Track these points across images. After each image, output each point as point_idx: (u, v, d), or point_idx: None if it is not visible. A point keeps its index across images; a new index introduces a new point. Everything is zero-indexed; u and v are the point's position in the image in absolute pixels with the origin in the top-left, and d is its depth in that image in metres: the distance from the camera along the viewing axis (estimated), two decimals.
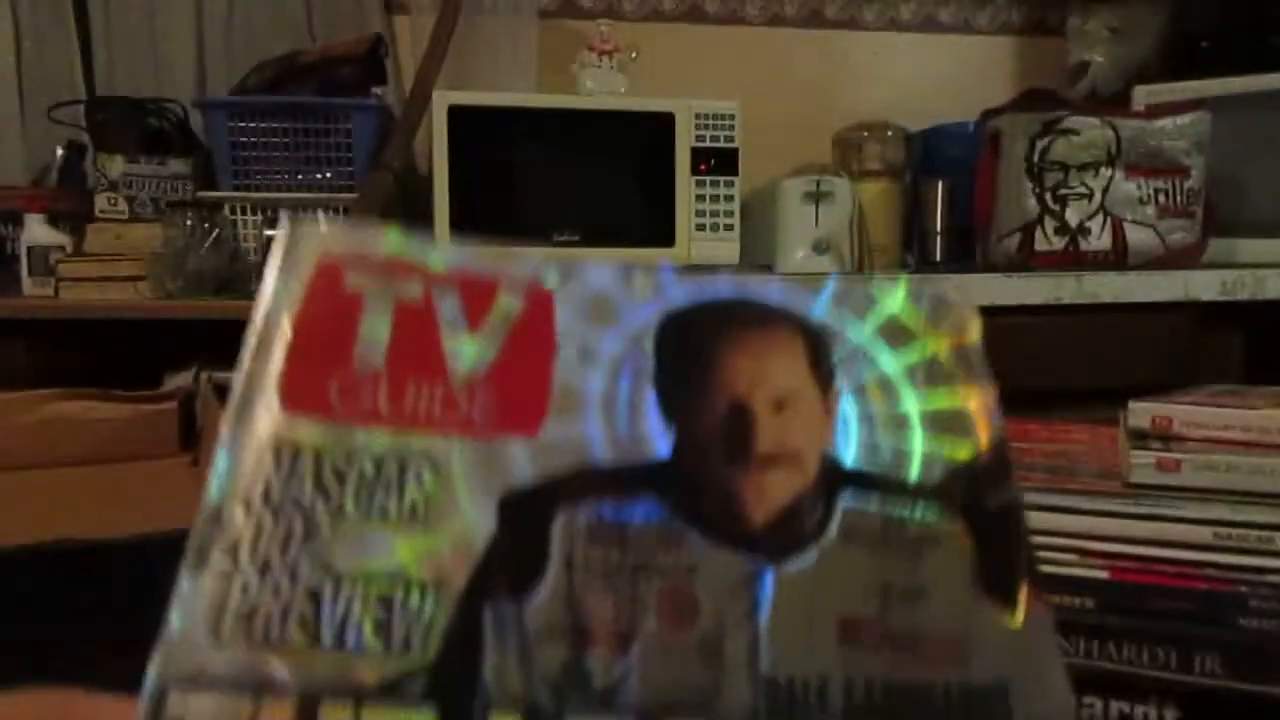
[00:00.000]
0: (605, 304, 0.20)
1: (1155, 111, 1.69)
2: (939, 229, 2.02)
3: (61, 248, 1.69)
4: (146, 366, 1.32)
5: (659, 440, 0.20)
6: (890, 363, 0.21)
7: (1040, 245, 1.70)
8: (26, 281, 1.68)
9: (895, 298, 0.21)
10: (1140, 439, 0.41)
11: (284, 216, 0.23)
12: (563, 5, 2.09)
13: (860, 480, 0.20)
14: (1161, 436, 0.40)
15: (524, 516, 0.19)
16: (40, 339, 1.53)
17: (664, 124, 1.75)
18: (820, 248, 1.88)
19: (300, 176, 1.67)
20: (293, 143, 1.67)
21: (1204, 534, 0.34)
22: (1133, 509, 0.37)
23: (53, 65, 1.87)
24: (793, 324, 0.20)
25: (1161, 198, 1.73)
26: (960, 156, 1.98)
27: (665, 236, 1.77)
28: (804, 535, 0.20)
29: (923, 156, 2.06)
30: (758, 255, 1.86)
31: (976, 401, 0.21)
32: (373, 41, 1.74)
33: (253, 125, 1.66)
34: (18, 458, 1.01)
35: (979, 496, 0.20)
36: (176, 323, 1.48)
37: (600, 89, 1.82)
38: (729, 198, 1.78)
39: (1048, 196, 1.72)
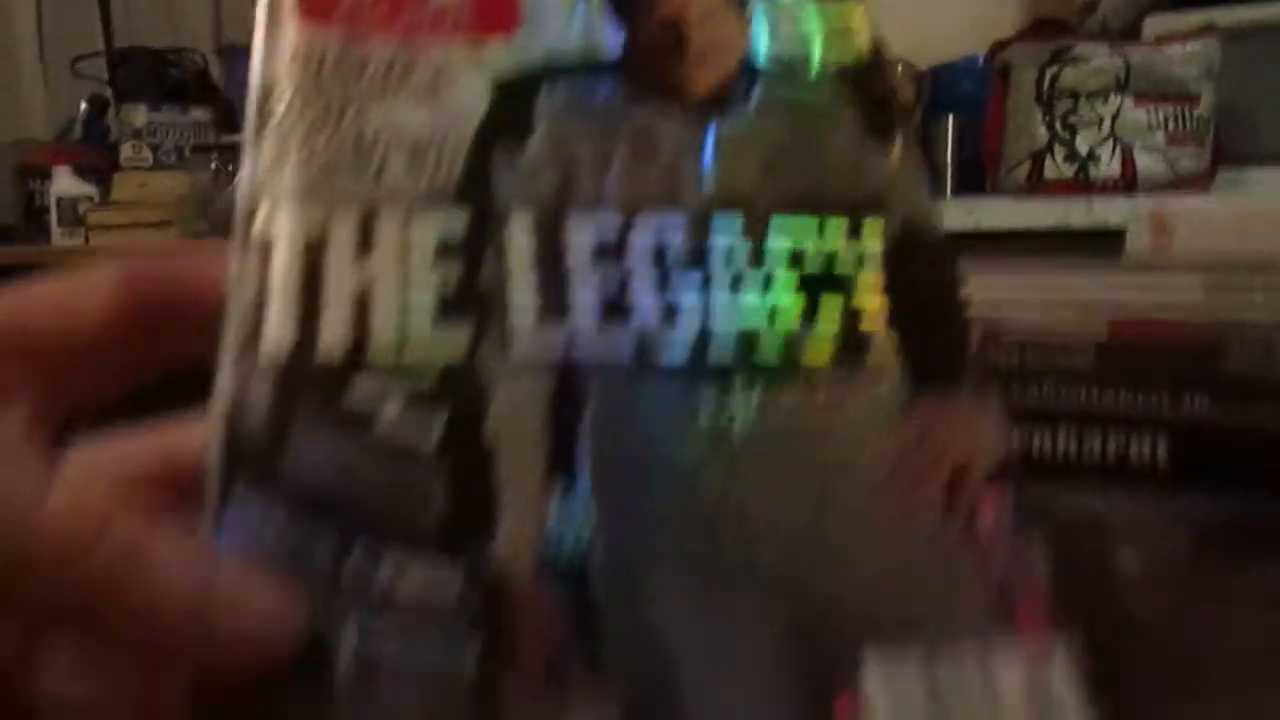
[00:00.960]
0: None
1: (1164, 39, 1.70)
2: (949, 165, 2.04)
3: (89, 198, 1.73)
4: None
5: (613, 41, 0.25)
6: None
7: (1050, 173, 1.72)
8: (56, 232, 1.72)
9: None
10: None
11: None
12: None
13: (769, 73, 0.27)
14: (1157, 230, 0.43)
15: (512, 97, 0.24)
16: None
17: None
18: None
19: None
20: None
21: (1195, 290, 0.38)
22: (1129, 277, 0.40)
23: (72, 21, 1.91)
24: None
25: (1170, 125, 1.74)
26: (970, 92, 1.99)
27: None
28: (734, 105, 0.26)
29: (932, 93, 2.07)
30: None
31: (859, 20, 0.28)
32: None
33: None
34: None
35: (865, 85, 0.28)
36: None
37: None
38: None
39: (1057, 125, 1.73)
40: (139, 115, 1.73)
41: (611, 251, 0.24)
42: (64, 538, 0.17)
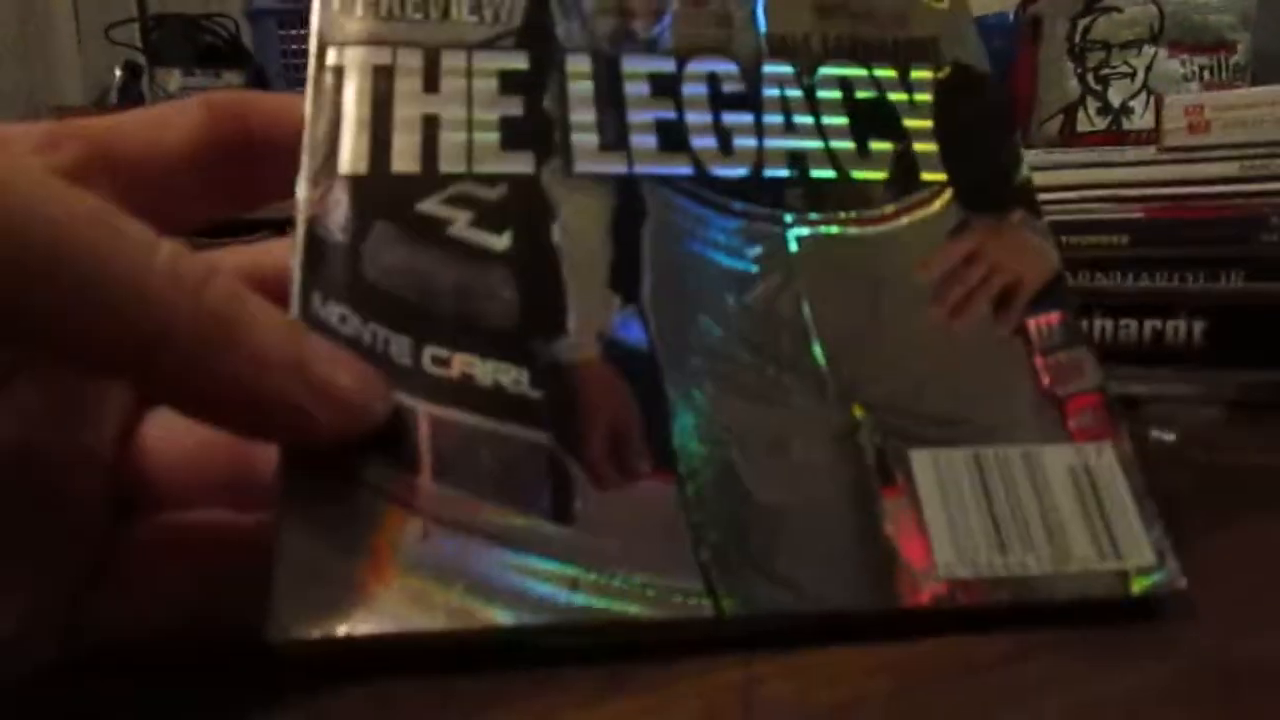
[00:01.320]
0: None
1: None
2: None
3: None
4: None
5: None
6: None
7: (1082, 126, 1.70)
8: None
9: None
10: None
11: None
12: None
13: None
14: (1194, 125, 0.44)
15: None
16: None
17: None
18: None
19: None
20: None
21: (1231, 168, 0.38)
22: (1165, 158, 0.40)
23: None
24: None
25: (1206, 74, 1.71)
26: (1000, 50, 1.97)
27: None
28: None
29: None
30: None
31: None
32: None
33: (302, 32, 1.70)
34: None
35: None
36: (232, 223, 1.54)
37: None
38: None
39: (1089, 77, 1.71)
40: (173, 80, 1.75)
41: (667, 88, 0.25)
42: (176, 279, 0.18)
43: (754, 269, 0.24)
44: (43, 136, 0.20)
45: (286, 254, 0.22)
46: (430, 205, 0.23)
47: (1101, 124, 1.67)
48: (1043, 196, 0.45)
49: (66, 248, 0.16)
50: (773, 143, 0.25)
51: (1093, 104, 1.68)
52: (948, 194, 0.26)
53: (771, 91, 0.26)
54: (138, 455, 0.22)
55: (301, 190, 0.22)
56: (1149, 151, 0.42)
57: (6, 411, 0.18)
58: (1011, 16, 1.95)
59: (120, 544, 0.20)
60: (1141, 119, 1.68)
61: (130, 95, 1.87)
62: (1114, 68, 1.67)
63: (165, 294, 0.17)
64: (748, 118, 0.25)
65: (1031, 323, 0.24)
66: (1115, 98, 1.67)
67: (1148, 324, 0.35)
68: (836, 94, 0.27)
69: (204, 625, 0.20)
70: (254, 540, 0.20)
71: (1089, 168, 0.42)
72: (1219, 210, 0.36)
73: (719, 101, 0.25)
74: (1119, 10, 1.66)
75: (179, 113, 0.22)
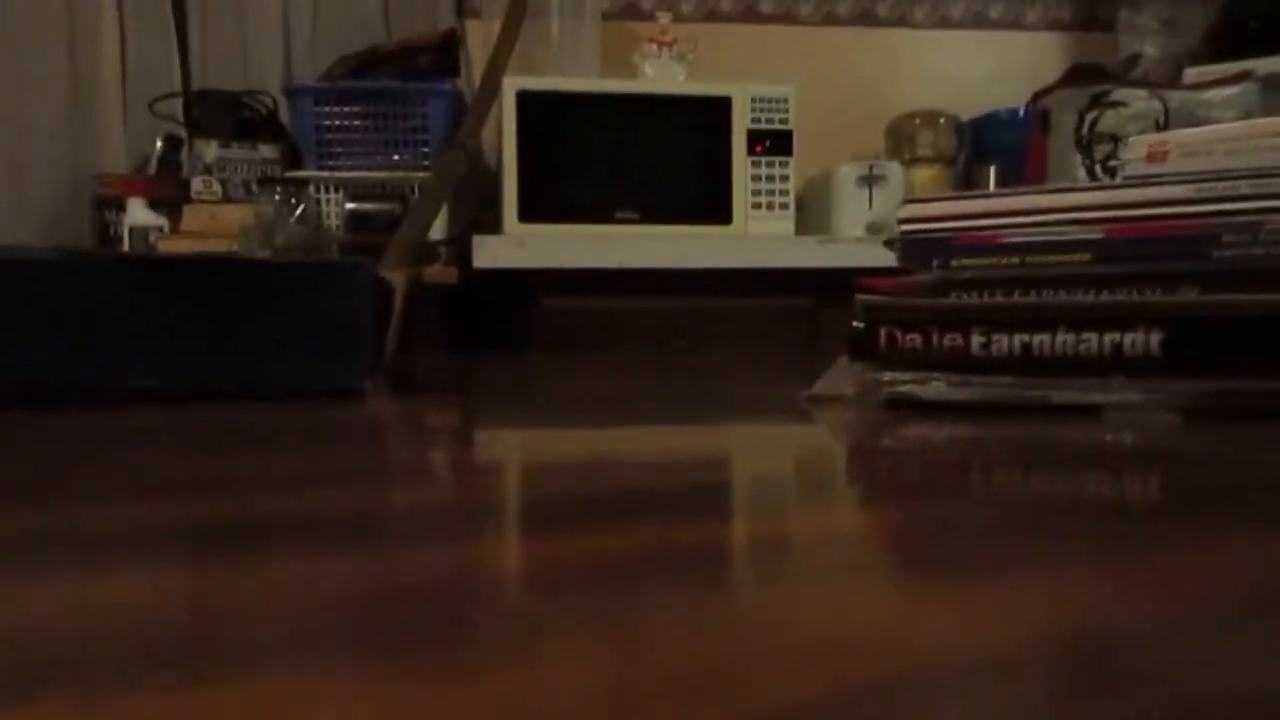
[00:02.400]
0: None
1: (1203, 84, 1.72)
2: None
3: (159, 228, 1.82)
4: None
5: None
6: None
7: None
8: None
9: None
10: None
11: None
12: (624, 7, 2.20)
13: None
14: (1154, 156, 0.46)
15: None
16: None
17: (721, 108, 1.83)
18: (874, 229, 1.94)
19: (378, 158, 1.79)
20: (372, 125, 1.78)
21: (1184, 190, 0.40)
22: (1124, 183, 0.42)
23: (152, 63, 2.02)
24: None
25: None
26: (1011, 142, 2.03)
27: (722, 214, 1.84)
28: None
29: (974, 143, 2.11)
30: (814, 234, 1.93)
31: None
32: (447, 34, 1.85)
33: (336, 109, 1.78)
34: None
35: None
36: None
37: (660, 77, 1.92)
38: (784, 177, 1.85)
39: (1097, 168, 1.75)
40: (211, 151, 1.83)
41: None
42: None
43: None
44: None
45: None
46: None
47: None
48: (1010, 220, 0.48)
49: None
50: None
51: None
52: None
53: None
54: None
55: None
56: (1112, 188, 0.44)
57: None
58: (1023, 110, 2.01)
59: None
60: None
61: (169, 164, 1.95)
62: (1121, 160, 1.70)
63: None
64: None
65: None
66: None
67: (1108, 336, 0.36)
68: None
69: None
70: None
71: (1053, 193, 0.44)
72: (1174, 229, 0.38)
73: None
74: (1125, 105, 1.71)
75: None
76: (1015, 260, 0.40)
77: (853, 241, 1.83)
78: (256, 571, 0.19)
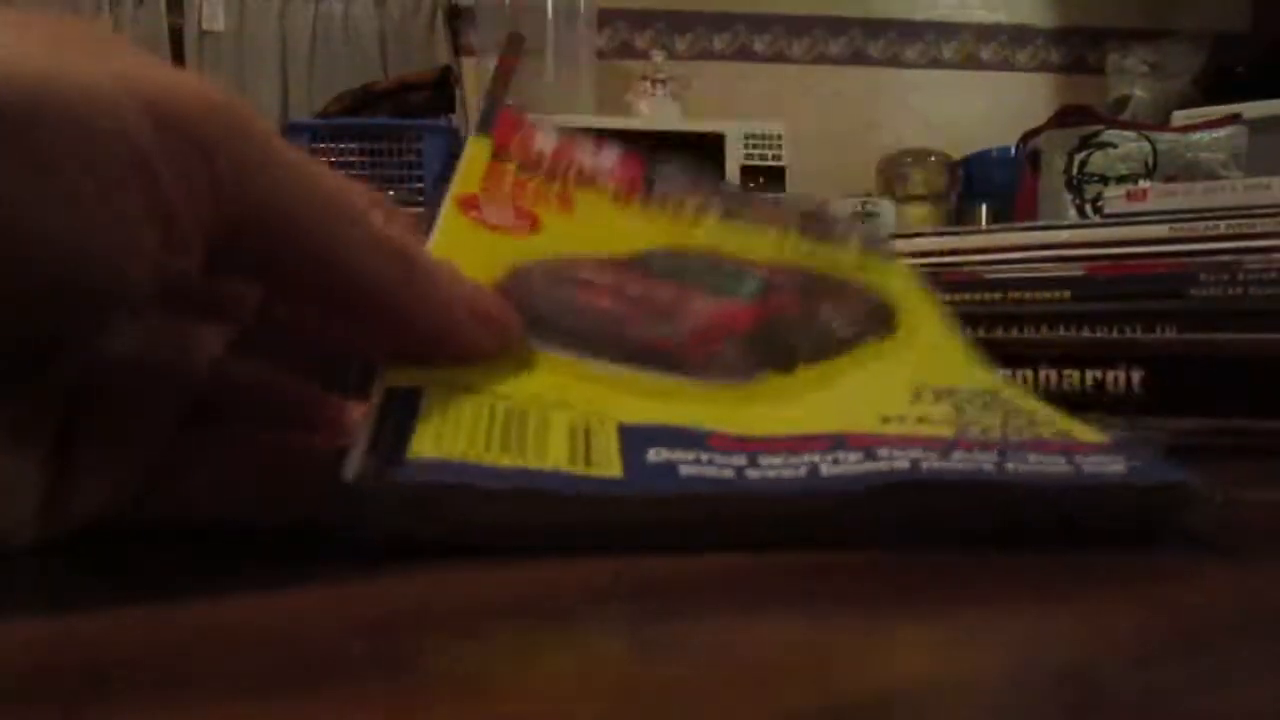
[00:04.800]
0: None
1: (1191, 126, 1.74)
2: None
3: None
4: None
5: None
6: None
7: None
8: None
9: None
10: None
11: None
12: (618, 46, 2.22)
13: None
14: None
15: None
16: None
17: (715, 144, 1.85)
18: None
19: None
20: (368, 162, 1.79)
21: (1163, 230, 0.40)
22: (1103, 222, 0.42)
23: None
24: None
25: None
26: (1002, 181, 2.04)
27: None
28: None
29: (965, 181, 2.13)
30: None
31: None
32: (443, 71, 1.87)
33: (333, 146, 1.79)
34: None
35: None
36: None
37: (654, 115, 1.94)
38: None
39: (1087, 209, 1.77)
40: None
41: None
42: (389, 240, 0.22)
43: None
44: None
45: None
46: None
47: None
48: (992, 257, 0.48)
49: (310, 209, 0.20)
50: None
51: None
52: None
53: None
54: (221, 379, 0.25)
55: None
56: (1092, 227, 0.45)
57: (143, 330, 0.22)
58: (1013, 150, 2.03)
59: (195, 442, 0.23)
60: None
61: None
62: (1110, 200, 1.72)
63: (386, 256, 0.21)
64: None
65: None
66: None
67: (1089, 373, 0.37)
68: None
69: (261, 514, 0.22)
70: (311, 451, 0.23)
71: (1035, 230, 0.45)
72: (1153, 267, 0.39)
73: None
74: (1114, 146, 1.73)
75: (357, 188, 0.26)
76: (998, 296, 0.40)
77: None
78: None
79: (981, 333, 0.40)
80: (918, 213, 2.07)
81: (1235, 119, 1.76)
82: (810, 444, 0.23)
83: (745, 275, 0.32)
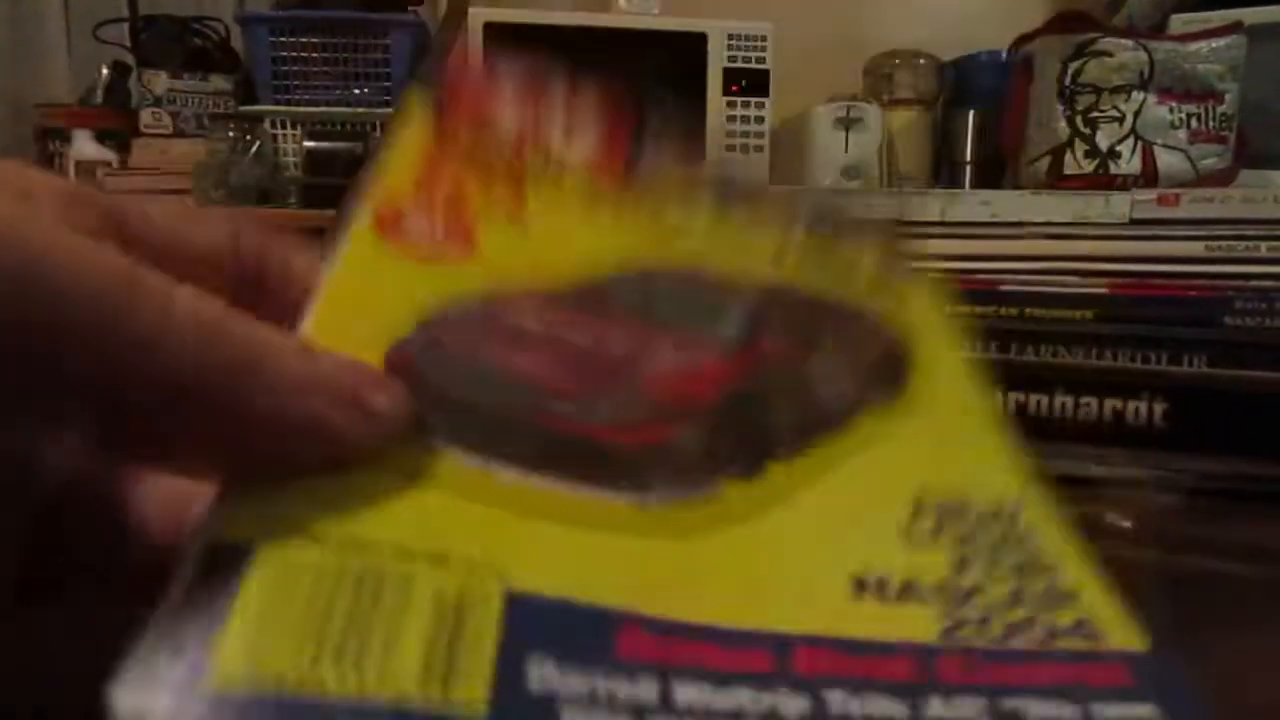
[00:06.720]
0: None
1: (1189, 35, 1.68)
2: (968, 160, 2.02)
3: (108, 163, 1.74)
4: None
5: None
6: None
7: (1069, 169, 1.70)
8: None
9: None
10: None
11: None
12: None
13: None
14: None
15: None
16: None
17: (697, 45, 1.76)
18: (850, 174, 1.89)
19: (338, 92, 1.71)
20: (331, 58, 1.70)
21: (1197, 248, 0.37)
22: (1133, 231, 0.39)
23: None
24: None
25: (1194, 122, 1.72)
26: (992, 87, 1.98)
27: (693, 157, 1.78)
28: None
29: (954, 86, 2.06)
30: (788, 181, 1.88)
31: None
32: None
33: (292, 40, 1.69)
34: None
35: None
36: None
37: (634, 9, 1.84)
38: (759, 119, 1.80)
39: (1078, 120, 1.72)
40: (159, 82, 1.74)
41: None
42: (199, 317, 0.17)
43: None
44: (65, 195, 0.19)
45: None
46: None
47: (1089, 167, 1.67)
48: (1012, 266, 0.45)
49: (80, 298, 0.16)
50: None
51: (1080, 146, 1.68)
52: None
53: None
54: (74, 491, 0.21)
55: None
56: (1116, 228, 0.41)
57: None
58: (1004, 54, 1.96)
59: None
60: (1129, 164, 1.68)
61: (116, 94, 1.86)
62: (1103, 111, 1.67)
63: (188, 340, 0.17)
64: None
65: None
66: (1103, 141, 1.67)
67: (1108, 403, 0.34)
68: None
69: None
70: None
71: (1058, 239, 0.41)
72: (1184, 290, 0.36)
73: None
74: (1109, 55, 1.67)
75: (206, 221, 0.22)
76: (1014, 311, 0.37)
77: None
78: None
79: (994, 350, 0.36)
80: (904, 116, 2.01)
81: (1236, 27, 1.70)
82: (746, 660, 0.19)
83: (728, 307, 0.28)
